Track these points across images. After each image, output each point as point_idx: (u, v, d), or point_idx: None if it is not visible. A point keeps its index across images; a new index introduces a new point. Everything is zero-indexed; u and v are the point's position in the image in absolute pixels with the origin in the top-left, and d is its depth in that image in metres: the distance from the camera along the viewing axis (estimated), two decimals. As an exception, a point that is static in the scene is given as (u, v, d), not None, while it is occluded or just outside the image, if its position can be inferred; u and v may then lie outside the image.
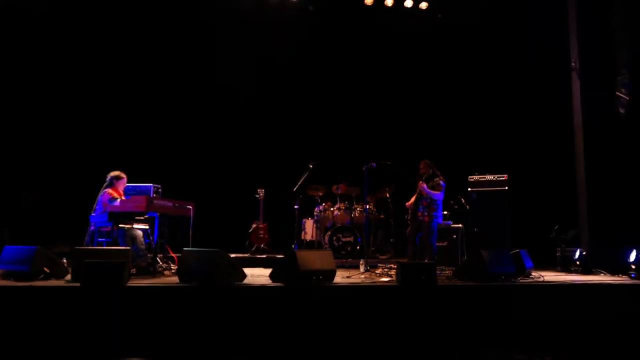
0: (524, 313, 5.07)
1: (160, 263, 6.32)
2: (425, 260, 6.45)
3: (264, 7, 9.35)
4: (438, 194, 6.62)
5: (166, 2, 9.17)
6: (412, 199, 6.83)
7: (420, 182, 6.66)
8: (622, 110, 8.14)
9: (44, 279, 5.07)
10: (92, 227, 6.15)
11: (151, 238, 6.37)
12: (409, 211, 6.78)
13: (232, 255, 5.42)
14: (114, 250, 5.24)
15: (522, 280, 5.72)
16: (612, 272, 6.53)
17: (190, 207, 6.28)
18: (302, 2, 9.48)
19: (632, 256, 6.41)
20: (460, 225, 7.55)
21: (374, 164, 6.87)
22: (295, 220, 8.42)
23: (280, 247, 8.66)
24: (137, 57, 9.23)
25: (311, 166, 8.18)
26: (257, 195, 8.86)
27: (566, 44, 8.66)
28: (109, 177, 6.31)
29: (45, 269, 5.13)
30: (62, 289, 4.72)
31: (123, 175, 6.38)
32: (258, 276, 5.79)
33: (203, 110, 9.66)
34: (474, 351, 4.79)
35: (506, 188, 7.60)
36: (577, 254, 7.17)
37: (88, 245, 6.04)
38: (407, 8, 9.38)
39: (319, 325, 4.68)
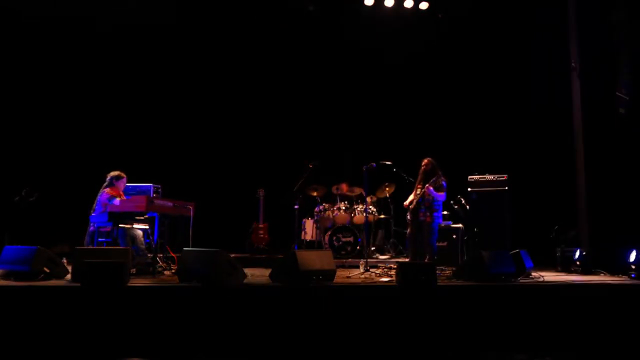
0: (523, 313, 5.06)
1: (160, 263, 6.32)
2: (426, 261, 6.45)
3: (265, 8, 9.37)
4: (442, 195, 6.63)
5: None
6: (410, 199, 6.80)
7: (427, 185, 6.60)
8: (622, 110, 8.13)
9: (44, 279, 5.07)
10: (92, 227, 6.15)
11: (151, 238, 6.38)
12: (409, 211, 6.76)
13: (232, 255, 5.42)
14: (114, 250, 5.24)
15: (522, 281, 5.72)
16: (612, 272, 6.52)
17: (190, 207, 6.28)
18: (302, 2, 9.49)
19: (632, 256, 6.39)
20: (460, 225, 7.55)
21: (374, 164, 6.87)
22: (295, 220, 8.42)
23: (280, 247, 8.68)
24: (137, 58, 9.23)
25: (311, 166, 8.18)
26: (257, 195, 8.86)
27: (566, 43, 8.66)
28: (108, 177, 6.30)
29: (45, 269, 5.14)
30: (62, 289, 4.73)
31: (123, 175, 6.39)
32: (258, 276, 5.79)
33: (203, 111, 9.66)
34: (474, 351, 4.79)
35: (506, 188, 7.57)
36: (577, 254, 7.16)
37: (88, 245, 6.05)
38: (407, 8, 9.39)
39: (318, 325, 4.68)
